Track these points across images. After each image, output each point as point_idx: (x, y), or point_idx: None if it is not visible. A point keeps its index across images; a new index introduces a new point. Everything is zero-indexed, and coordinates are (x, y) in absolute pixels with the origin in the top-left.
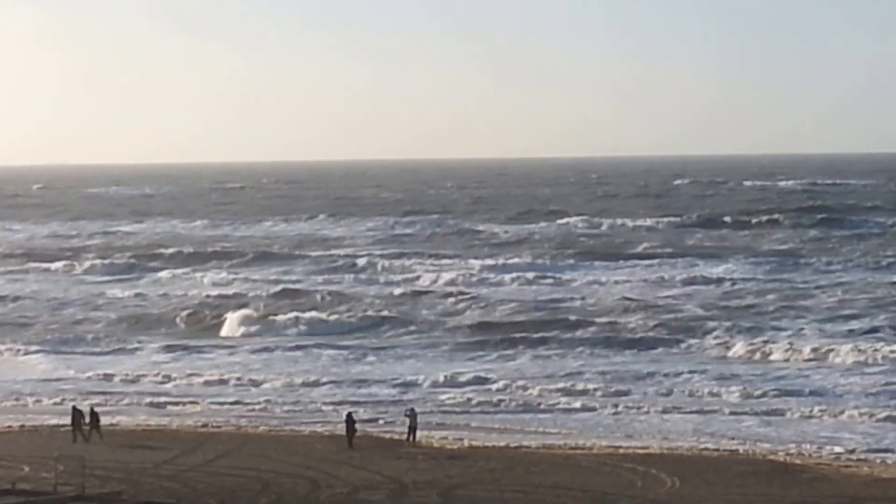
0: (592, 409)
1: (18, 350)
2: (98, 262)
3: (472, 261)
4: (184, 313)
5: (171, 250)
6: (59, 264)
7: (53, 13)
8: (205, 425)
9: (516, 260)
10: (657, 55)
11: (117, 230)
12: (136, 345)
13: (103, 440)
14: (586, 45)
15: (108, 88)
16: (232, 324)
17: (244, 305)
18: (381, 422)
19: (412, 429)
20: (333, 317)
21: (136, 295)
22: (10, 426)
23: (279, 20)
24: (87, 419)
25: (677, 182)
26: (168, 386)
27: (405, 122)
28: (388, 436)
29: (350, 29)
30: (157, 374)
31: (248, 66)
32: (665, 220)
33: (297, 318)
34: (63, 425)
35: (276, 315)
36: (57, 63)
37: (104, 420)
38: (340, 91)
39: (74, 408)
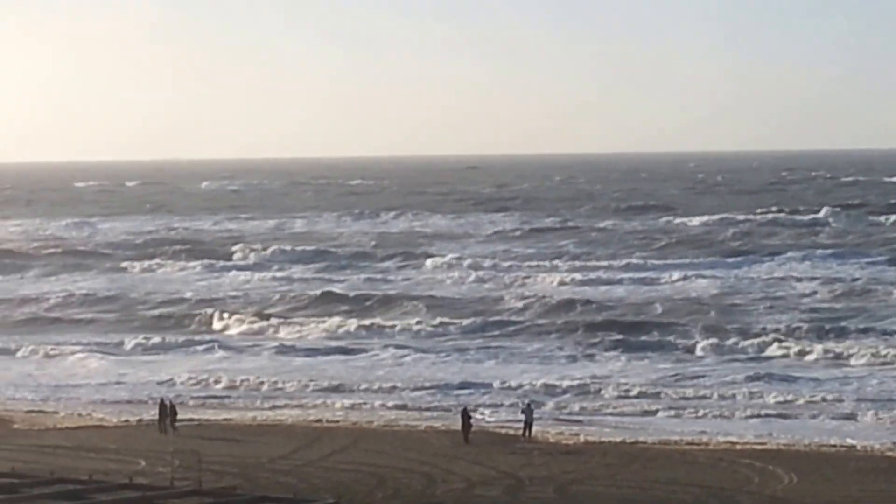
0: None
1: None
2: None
3: (595, 262)
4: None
5: (311, 247)
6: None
7: (166, 10)
8: (319, 420)
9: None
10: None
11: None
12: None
13: (178, 434)
14: (690, 43)
15: (218, 84)
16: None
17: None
18: (497, 417)
19: (528, 424)
20: (459, 319)
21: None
22: (126, 420)
23: (387, 15)
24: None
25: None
26: (289, 384)
27: (510, 117)
28: (503, 431)
29: (461, 25)
30: (276, 372)
31: (357, 61)
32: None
33: (422, 317)
34: (181, 420)
35: (401, 318)
36: (169, 59)
37: (219, 415)
38: (449, 87)
39: (162, 401)
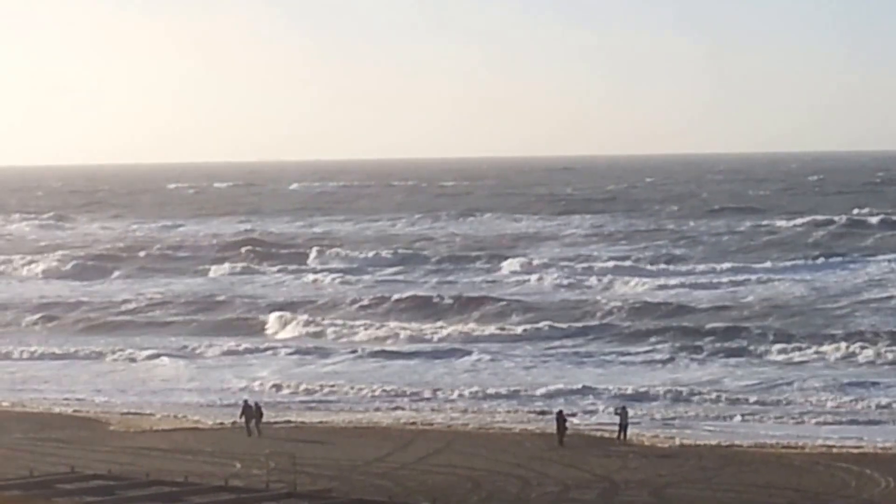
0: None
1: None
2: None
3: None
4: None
5: (399, 250)
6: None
7: (285, 10)
8: (413, 423)
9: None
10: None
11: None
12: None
13: (263, 436)
14: (804, 47)
15: (350, 86)
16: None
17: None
18: (591, 420)
19: (623, 427)
20: (564, 323)
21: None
22: (221, 422)
23: (517, 16)
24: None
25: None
26: (381, 387)
27: (630, 119)
28: (598, 434)
29: (587, 29)
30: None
31: (487, 63)
32: None
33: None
34: (276, 422)
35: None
36: (301, 61)
37: (315, 417)
38: (574, 89)
39: (246, 402)
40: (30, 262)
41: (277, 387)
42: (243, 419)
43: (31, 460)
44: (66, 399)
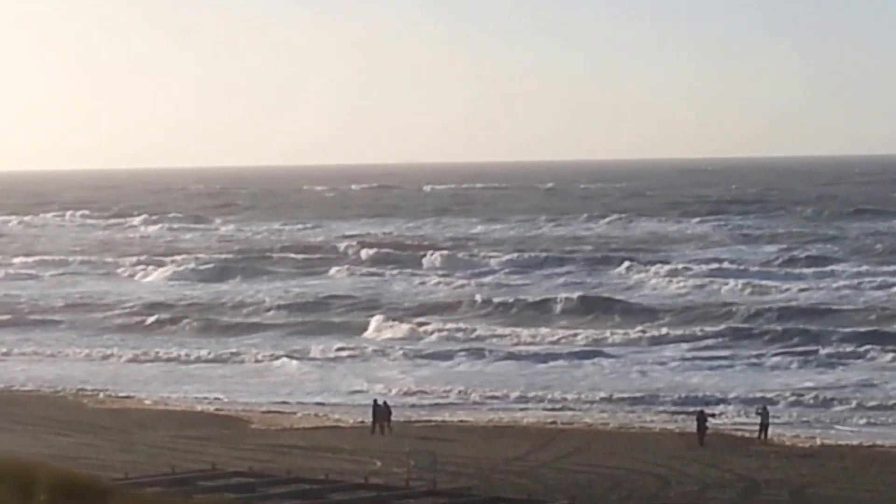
0: None
1: None
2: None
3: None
4: None
5: (530, 252)
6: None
7: (398, 12)
8: (554, 422)
9: None
10: None
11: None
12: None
13: (402, 435)
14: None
15: (486, 88)
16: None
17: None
18: (731, 420)
19: (763, 426)
20: (702, 326)
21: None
22: (362, 420)
23: (624, 19)
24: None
25: None
26: (518, 389)
27: (735, 119)
28: (738, 434)
29: (691, 29)
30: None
31: (593, 64)
32: None
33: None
34: (416, 421)
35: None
36: (402, 63)
37: (455, 416)
38: (680, 89)
39: (375, 402)
40: (159, 264)
41: (407, 387)
42: (372, 419)
43: (173, 458)
44: (207, 398)
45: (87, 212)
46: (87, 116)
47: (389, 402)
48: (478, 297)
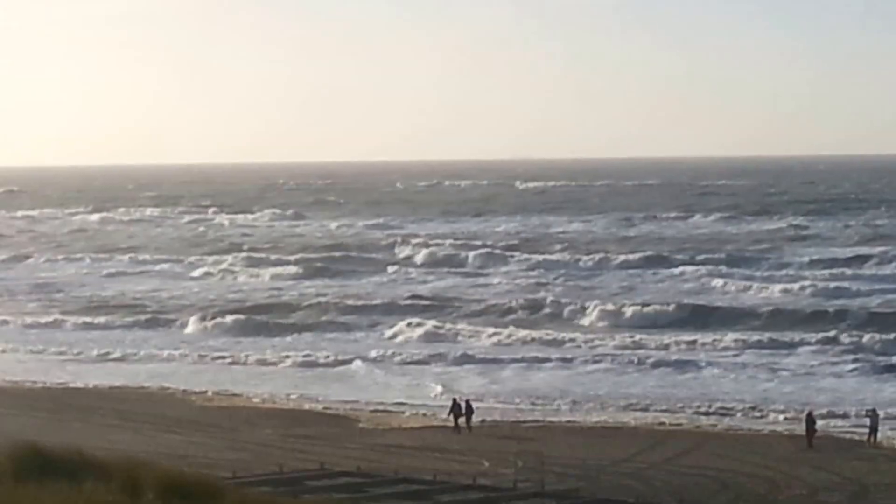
0: None
1: None
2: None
3: None
4: None
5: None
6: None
7: (508, 19)
8: (662, 423)
9: None
10: None
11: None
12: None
13: (471, 433)
14: None
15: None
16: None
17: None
18: (841, 422)
19: (873, 429)
20: (816, 332)
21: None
22: (482, 419)
23: (715, 17)
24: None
25: None
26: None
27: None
28: (848, 437)
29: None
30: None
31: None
32: None
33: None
34: (523, 422)
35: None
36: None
37: (562, 418)
38: (772, 89)
39: (455, 400)
40: (257, 263)
41: (515, 386)
42: (451, 416)
43: (281, 456)
44: (314, 396)
45: (183, 208)
46: (181, 112)
47: (477, 403)
48: (584, 302)
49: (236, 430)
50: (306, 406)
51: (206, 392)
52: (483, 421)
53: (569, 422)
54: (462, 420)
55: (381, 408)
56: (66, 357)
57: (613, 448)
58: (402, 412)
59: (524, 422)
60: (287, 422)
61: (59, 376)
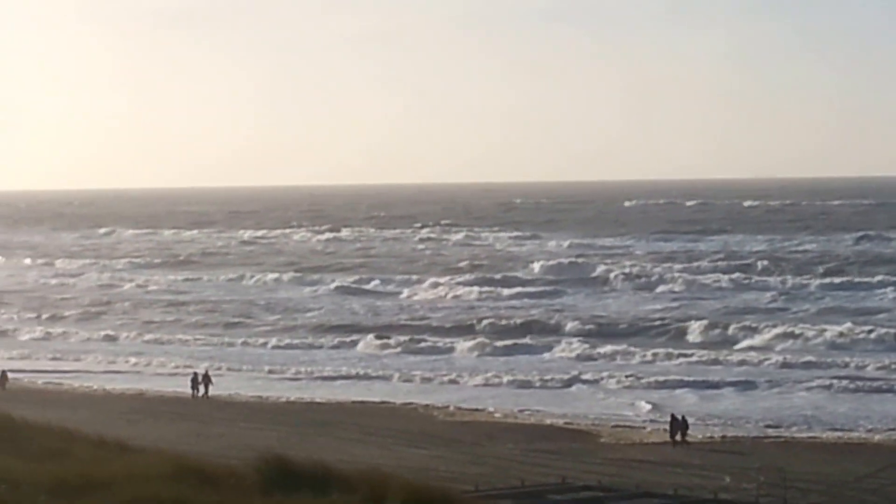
0: None
1: None
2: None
3: None
4: None
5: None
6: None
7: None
8: None
9: None
10: None
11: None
12: None
13: (688, 447)
14: None
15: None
16: None
17: None
18: None
19: None
20: None
21: None
22: (710, 436)
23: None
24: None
25: None
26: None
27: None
28: None
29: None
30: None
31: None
32: None
33: None
34: (765, 438)
35: None
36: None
37: (804, 433)
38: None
39: (673, 416)
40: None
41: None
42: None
43: (523, 471)
44: (555, 412)
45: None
46: (410, 133)
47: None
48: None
49: (478, 444)
50: (547, 421)
51: (447, 407)
52: (724, 437)
53: (810, 438)
54: (678, 436)
55: (623, 423)
56: (304, 374)
57: (856, 464)
58: (644, 428)
59: (765, 438)
60: (528, 436)
61: (303, 392)
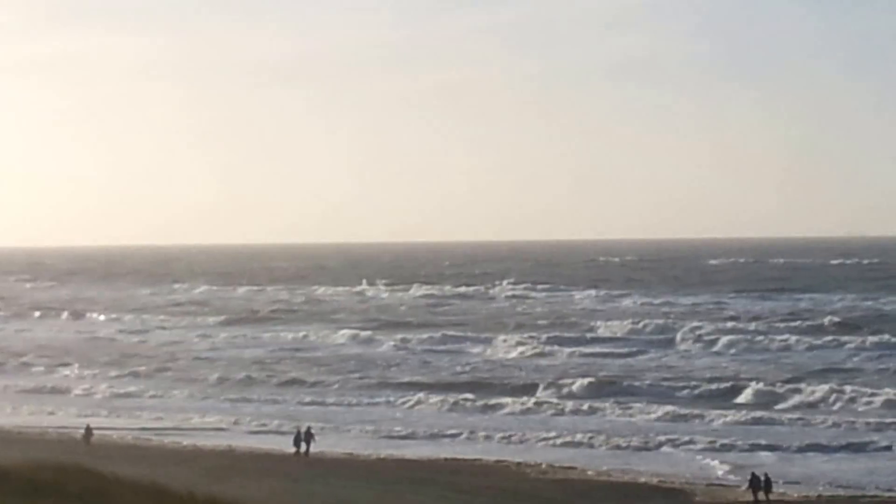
0: None
1: None
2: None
3: None
4: None
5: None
6: None
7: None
8: None
9: None
10: None
11: None
12: None
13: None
14: None
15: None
16: None
17: None
18: None
19: None
20: None
21: None
22: (806, 496)
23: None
24: None
25: None
26: None
27: None
28: None
29: None
30: None
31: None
32: None
33: None
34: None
35: None
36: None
37: None
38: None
39: (753, 474)
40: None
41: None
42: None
43: None
44: (644, 470)
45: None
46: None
47: None
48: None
49: (571, 502)
50: (641, 480)
51: (540, 465)
52: (819, 496)
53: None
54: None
55: (715, 482)
56: (396, 431)
57: None
58: (739, 486)
59: (861, 497)
60: (621, 495)
61: (395, 449)
